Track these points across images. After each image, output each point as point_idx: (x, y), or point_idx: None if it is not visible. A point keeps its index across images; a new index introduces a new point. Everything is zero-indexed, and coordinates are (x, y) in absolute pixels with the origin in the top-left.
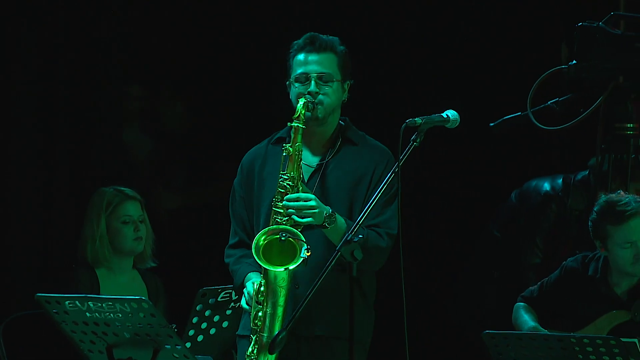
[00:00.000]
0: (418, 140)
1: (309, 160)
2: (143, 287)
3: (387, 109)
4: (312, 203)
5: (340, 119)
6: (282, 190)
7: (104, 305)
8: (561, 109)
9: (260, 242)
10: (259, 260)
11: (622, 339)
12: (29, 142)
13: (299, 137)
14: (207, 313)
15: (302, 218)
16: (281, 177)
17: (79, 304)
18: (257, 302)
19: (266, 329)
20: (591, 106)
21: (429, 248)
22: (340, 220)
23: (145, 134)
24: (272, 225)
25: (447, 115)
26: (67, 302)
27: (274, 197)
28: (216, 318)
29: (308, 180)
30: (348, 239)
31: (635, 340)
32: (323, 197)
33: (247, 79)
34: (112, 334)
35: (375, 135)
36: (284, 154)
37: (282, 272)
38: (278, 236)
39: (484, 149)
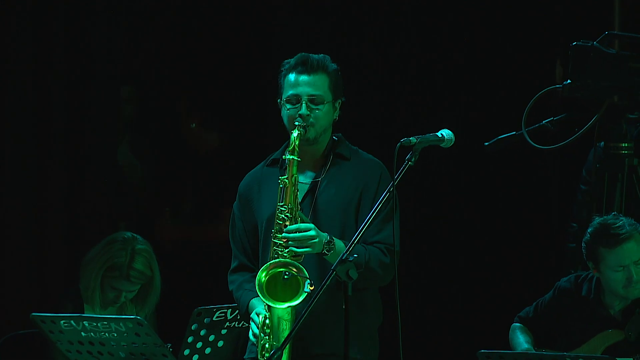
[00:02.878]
0: (413, 160)
1: (302, 178)
2: (131, 308)
3: (382, 127)
4: (312, 233)
5: (333, 135)
6: (281, 222)
7: (99, 324)
8: (556, 128)
9: (262, 279)
10: (263, 298)
11: (616, 359)
12: (25, 161)
13: (294, 169)
14: (202, 332)
15: (302, 248)
16: (279, 209)
17: (74, 324)
18: (264, 334)
19: None
20: (585, 125)
21: (426, 265)
22: (340, 244)
23: (135, 156)
24: (271, 256)
25: (441, 134)
26: (62, 322)
27: (273, 229)
28: (211, 337)
29: (302, 200)
30: (343, 258)
31: (630, 359)
32: (316, 216)
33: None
34: (107, 353)
35: (371, 154)
36: (280, 185)
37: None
38: (280, 270)
39: (479, 167)
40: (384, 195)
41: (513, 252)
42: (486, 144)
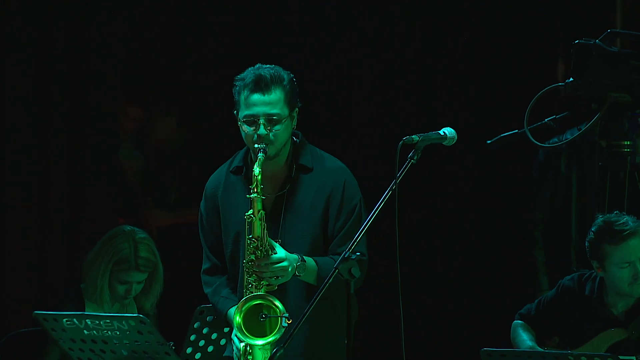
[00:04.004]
0: (415, 158)
1: (269, 190)
2: (133, 305)
3: (384, 125)
4: (284, 264)
5: (293, 136)
6: (253, 257)
7: (101, 322)
8: (558, 126)
9: (239, 320)
10: (243, 337)
11: (620, 357)
12: (25, 159)
13: (259, 205)
14: (204, 331)
15: (276, 279)
16: (247, 241)
17: (76, 322)
18: None
19: None
20: (588, 123)
21: (426, 264)
22: (310, 262)
23: (140, 151)
24: (245, 285)
25: (444, 132)
26: (64, 320)
27: (244, 260)
28: (214, 336)
29: (271, 215)
30: (346, 256)
31: (634, 357)
32: (284, 232)
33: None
34: (110, 351)
35: (373, 152)
36: (248, 220)
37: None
38: (255, 302)
39: (481, 165)
40: (387, 193)
41: (513, 251)
42: (488, 142)
